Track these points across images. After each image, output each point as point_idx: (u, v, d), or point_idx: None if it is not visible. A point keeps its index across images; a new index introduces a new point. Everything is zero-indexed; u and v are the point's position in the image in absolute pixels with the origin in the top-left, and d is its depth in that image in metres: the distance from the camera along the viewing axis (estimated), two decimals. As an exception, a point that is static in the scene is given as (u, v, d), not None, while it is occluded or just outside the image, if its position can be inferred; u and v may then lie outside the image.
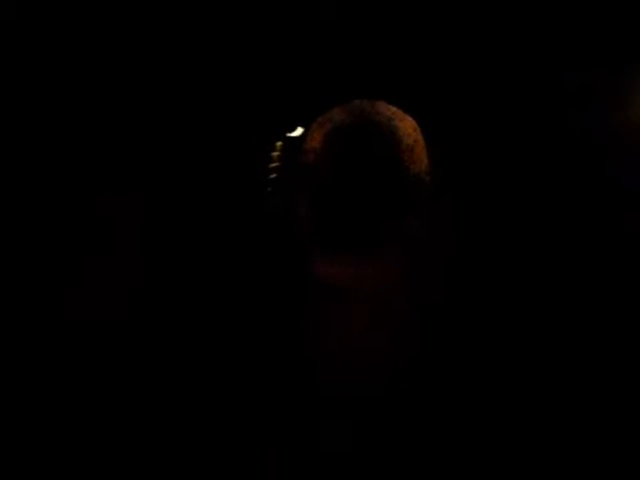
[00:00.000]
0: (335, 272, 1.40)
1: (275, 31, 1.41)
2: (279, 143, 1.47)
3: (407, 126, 1.38)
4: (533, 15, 1.25)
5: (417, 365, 1.28)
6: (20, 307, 1.39)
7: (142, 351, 1.43)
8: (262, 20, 1.42)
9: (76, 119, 1.44)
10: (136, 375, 1.43)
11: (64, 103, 1.43)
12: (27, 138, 1.42)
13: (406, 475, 1.25)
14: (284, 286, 1.48)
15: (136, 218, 1.44)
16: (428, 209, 1.36)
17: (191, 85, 1.47)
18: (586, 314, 1.18)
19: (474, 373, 1.24)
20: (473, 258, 1.21)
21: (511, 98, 1.20)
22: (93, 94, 1.45)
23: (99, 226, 1.44)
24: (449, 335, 1.25)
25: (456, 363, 1.25)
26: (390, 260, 1.38)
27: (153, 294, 1.44)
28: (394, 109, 1.38)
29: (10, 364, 1.37)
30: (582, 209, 1.17)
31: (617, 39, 1.19)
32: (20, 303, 1.40)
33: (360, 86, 1.34)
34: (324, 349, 1.42)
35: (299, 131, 1.46)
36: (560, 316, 1.17)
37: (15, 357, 1.38)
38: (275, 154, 1.48)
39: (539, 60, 1.18)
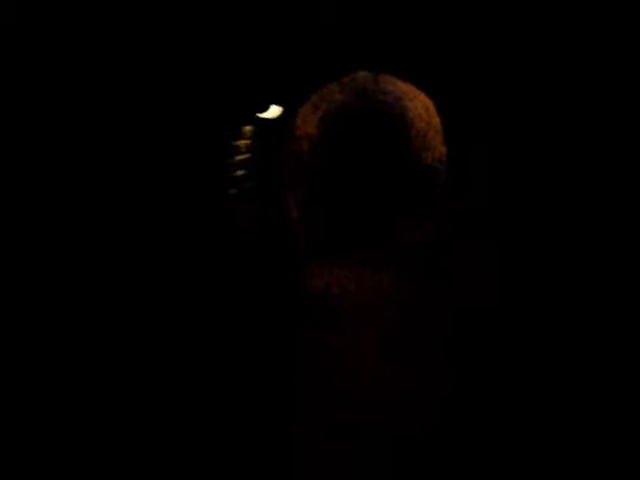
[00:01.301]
0: (336, 285, 1.12)
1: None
2: (248, 127, 1.11)
3: (419, 106, 1.14)
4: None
5: (447, 410, 1.06)
6: None
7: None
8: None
9: None
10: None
11: None
12: None
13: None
14: (265, 312, 1.14)
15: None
16: (446, 207, 1.15)
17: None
18: None
19: (523, 423, 1.05)
20: (516, 266, 1.02)
21: (553, 71, 1.04)
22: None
23: None
24: (487, 370, 1.05)
25: (499, 409, 1.05)
26: (402, 271, 1.15)
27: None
28: (403, 86, 1.13)
29: None
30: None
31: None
32: None
33: (359, 54, 1.06)
34: (322, 389, 1.14)
35: (274, 111, 1.11)
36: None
37: None
38: (243, 142, 1.11)
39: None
